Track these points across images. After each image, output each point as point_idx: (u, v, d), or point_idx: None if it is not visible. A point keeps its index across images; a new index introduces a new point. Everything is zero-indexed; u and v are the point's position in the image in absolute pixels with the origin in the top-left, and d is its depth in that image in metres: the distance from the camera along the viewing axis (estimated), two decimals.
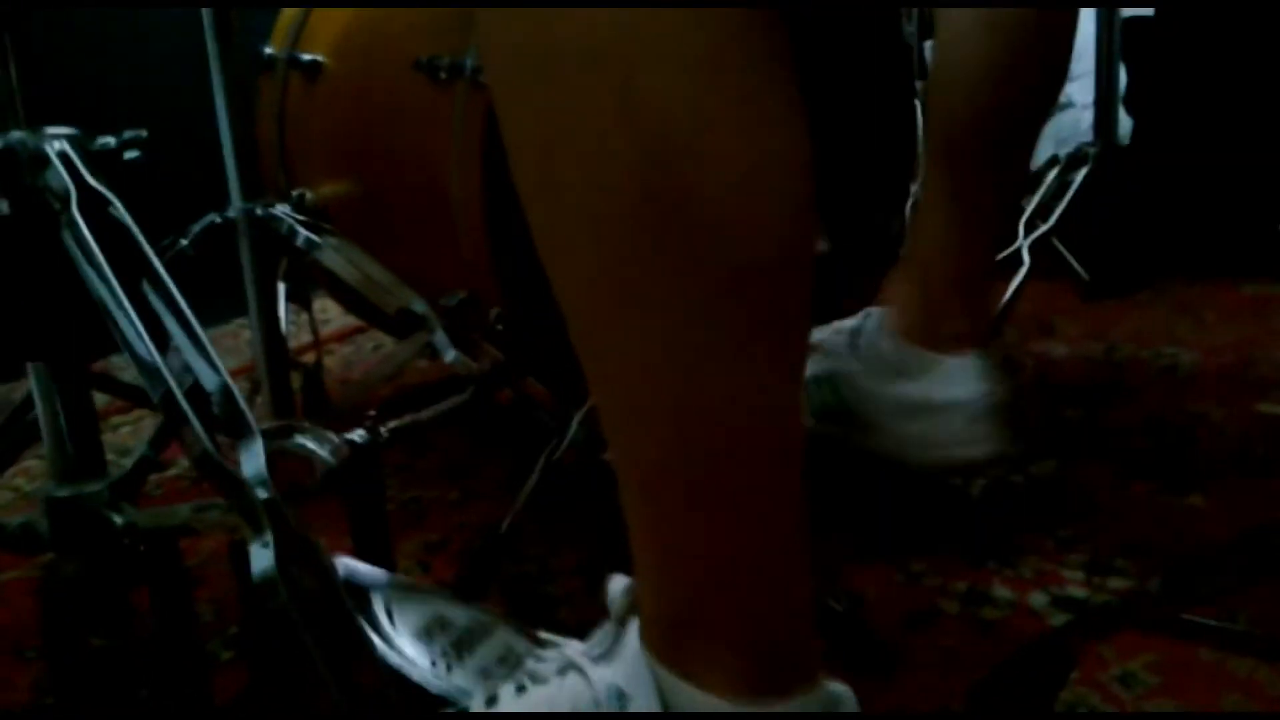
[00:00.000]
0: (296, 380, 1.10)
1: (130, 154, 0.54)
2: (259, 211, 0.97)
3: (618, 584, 0.56)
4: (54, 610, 0.54)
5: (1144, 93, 1.52)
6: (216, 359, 0.51)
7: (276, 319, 0.98)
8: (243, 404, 0.50)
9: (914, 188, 1.39)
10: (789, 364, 0.50)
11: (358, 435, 0.73)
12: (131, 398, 1.01)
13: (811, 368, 0.98)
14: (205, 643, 0.74)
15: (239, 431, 0.50)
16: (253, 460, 0.49)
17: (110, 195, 0.51)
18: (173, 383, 0.48)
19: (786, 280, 0.47)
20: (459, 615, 0.75)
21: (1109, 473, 1.03)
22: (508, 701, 0.57)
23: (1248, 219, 1.50)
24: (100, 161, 0.51)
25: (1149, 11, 1.56)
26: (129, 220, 0.51)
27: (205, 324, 0.65)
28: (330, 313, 1.68)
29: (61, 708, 0.56)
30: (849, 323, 0.98)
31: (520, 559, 0.92)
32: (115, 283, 0.49)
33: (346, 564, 0.65)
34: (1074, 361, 1.33)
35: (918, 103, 1.42)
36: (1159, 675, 0.74)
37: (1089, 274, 1.52)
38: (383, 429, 0.75)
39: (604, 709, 0.53)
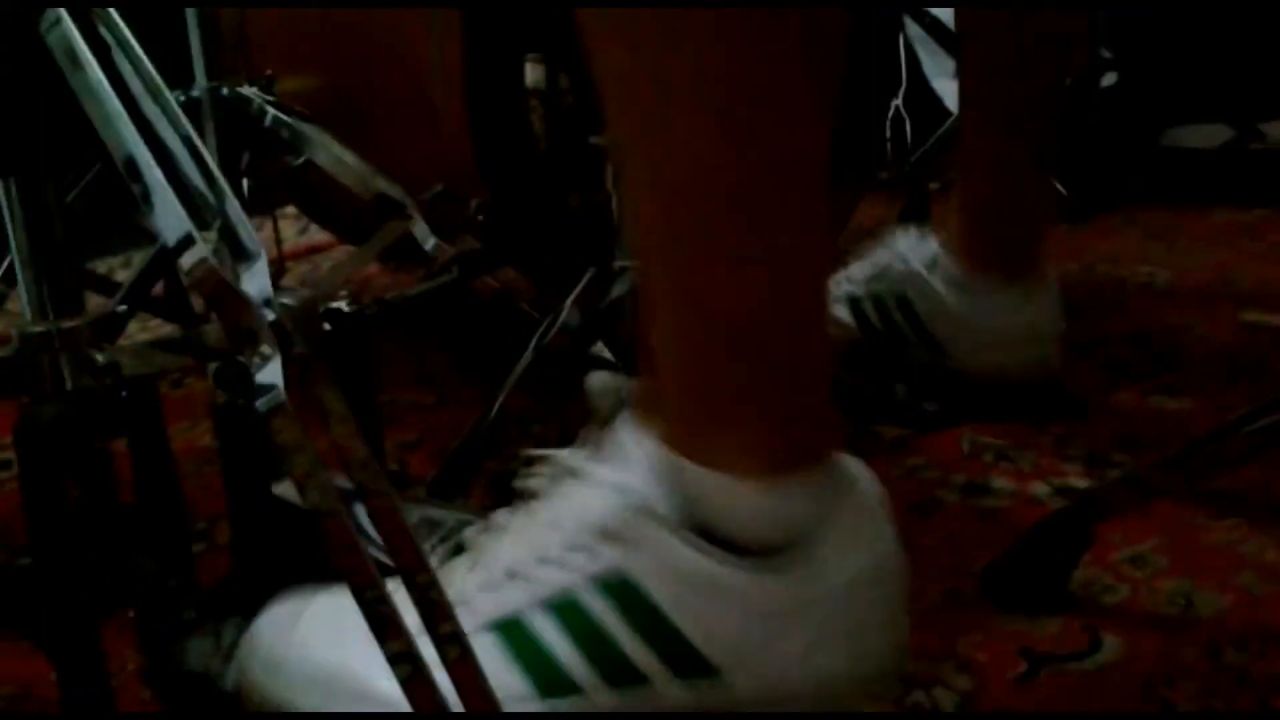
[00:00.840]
0: None
1: None
2: (225, 91, 0.92)
3: (599, 379, 0.54)
4: (31, 457, 0.49)
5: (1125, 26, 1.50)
6: (219, 175, 0.47)
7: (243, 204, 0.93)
8: (246, 224, 0.46)
9: (895, 102, 1.37)
10: (820, 108, 0.49)
11: (344, 304, 0.69)
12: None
13: (868, 285, 0.98)
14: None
15: (241, 254, 0.46)
16: (256, 281, 0.45)
17: None
18: (172, 197, 0.44)
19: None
20: (445, 517, 0.72)
21: (1099, 377, 1.01)
22: (505, 530, 0.54)
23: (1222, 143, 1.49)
24: None
25: None
26: (123, 26, 0.47)
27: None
28: (285, 233, 1.63)
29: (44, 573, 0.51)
30: (922, 244, 0.97)
31: (504, 454, 0.88)
32: (109, 90, 0.45)
33: None
34: None
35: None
36: (1168, 556, 0.73)
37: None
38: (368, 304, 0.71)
39: (615, 511, 0.50)
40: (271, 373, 0.44)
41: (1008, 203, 0.92)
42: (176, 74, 0.94)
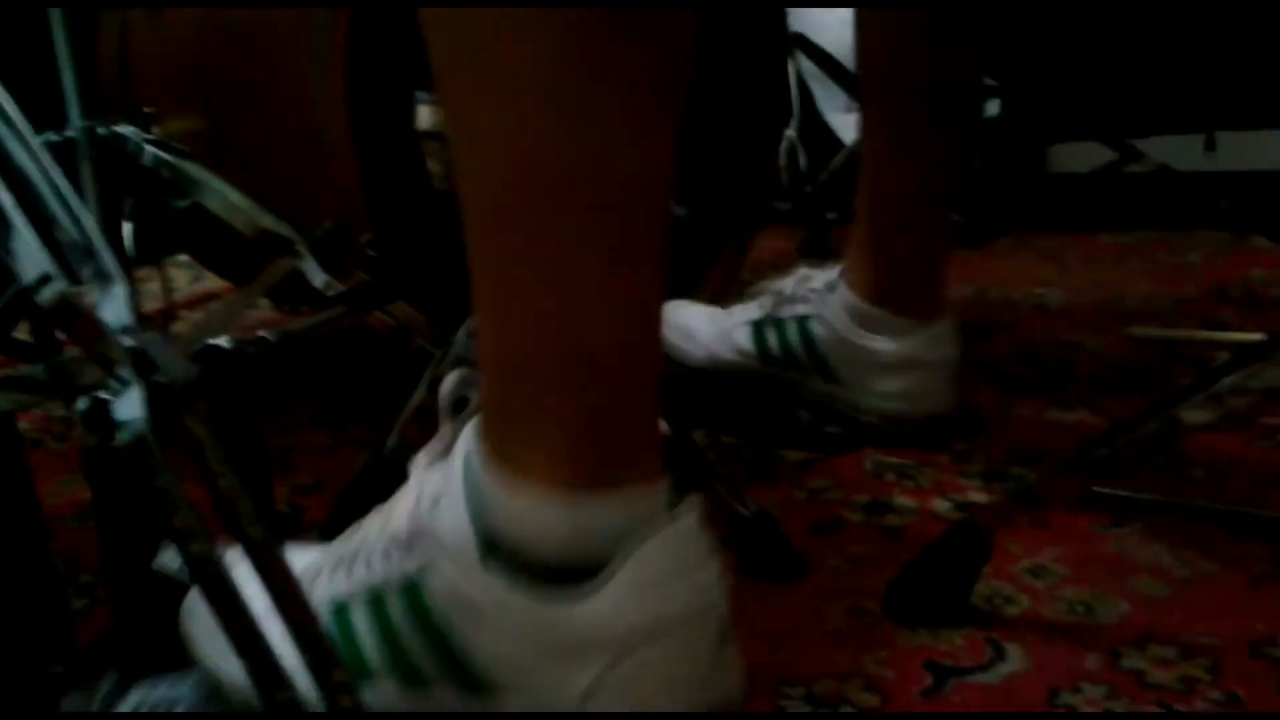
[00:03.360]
0: None
1: None
2: (101, 130, 0.89)
3: (450, 389, 0.52)
4: None
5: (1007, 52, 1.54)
6: (72, 199, 0.44)
7: (123, 248, 0.90)
8: (104, 250, 0.44)
9: (788, 133, 1.38)
10: (663, 101, 0.47)
11: (223, 341, 0.66)
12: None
13: (768, 309, 0.98)
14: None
15: (99, 277, 0.44)
16: (115, 307, 0.43)
17: None
18: (31, 237, 0.42)
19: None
20: None
21: (995, 395, 1.03)
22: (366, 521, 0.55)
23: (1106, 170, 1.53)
24: None
25: None
26: None
27: None
28: (178, 281, 1.58)
29: None
30: (821, 272, 0.97)
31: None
32: None
33: None
34: None
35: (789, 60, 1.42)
36: (1067, 566, 0.73)
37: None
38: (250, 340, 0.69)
39: (419, 516, 0.51)
40: (131, 404, 0.42)
41: (907, 238, 0.92)
42: (50, 113, 0.90)
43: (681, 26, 0.47)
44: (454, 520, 0.49)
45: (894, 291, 0.92)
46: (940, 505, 0.82)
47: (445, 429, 0.53)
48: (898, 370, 0.92)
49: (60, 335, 0.80)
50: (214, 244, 1.17)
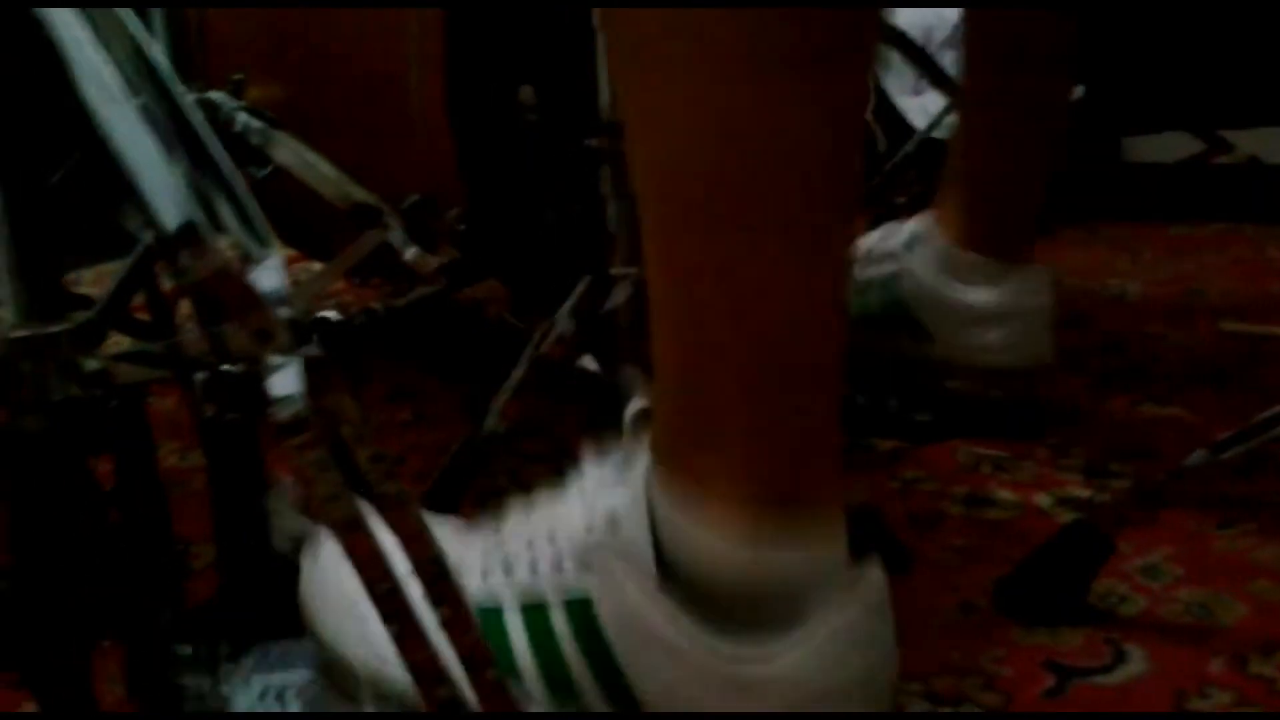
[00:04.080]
0: None
1: None
2: (192, 96, 0.88)
3: (635, 404, 0.51)
4: (15, 474, 0.45)
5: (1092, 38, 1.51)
6: (224, 163, 0.43)
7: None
8: (258, 215, 0.43)
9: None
10: (849, 127, 0.45)
11: (331, 315, 0.65)
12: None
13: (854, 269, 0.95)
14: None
15: (249, 250, 0.43)
16: (269, 279, 0.42)
17: None
18: (172, 180, 0.40)
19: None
20: None
21: (1085, 388, 1.01)
22: (516, 520, 0.54)
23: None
24: None
25: None
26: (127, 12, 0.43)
27: (125, 243, 0.57)
28: None
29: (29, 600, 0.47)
30: (903, 228, 0.94)
31: (492, 470, 0.85)
32: (108, 74, 0.41)
33: None
34: None
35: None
36: (1180, 566, 0.71)
37: None
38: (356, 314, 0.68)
39: (595, 532, 0.49)
40: (287, 380, 0.41)
41: (1003, 180, 0.89)
42: None
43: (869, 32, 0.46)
44: (635, 546, 0.48)
45: (989, 236, 0.89)
46: (1043, 500, 0.81)
47: (625, 447, 0.51)
48: (994, 320, 0.89)
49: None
50: (288, 212, 1.16)
